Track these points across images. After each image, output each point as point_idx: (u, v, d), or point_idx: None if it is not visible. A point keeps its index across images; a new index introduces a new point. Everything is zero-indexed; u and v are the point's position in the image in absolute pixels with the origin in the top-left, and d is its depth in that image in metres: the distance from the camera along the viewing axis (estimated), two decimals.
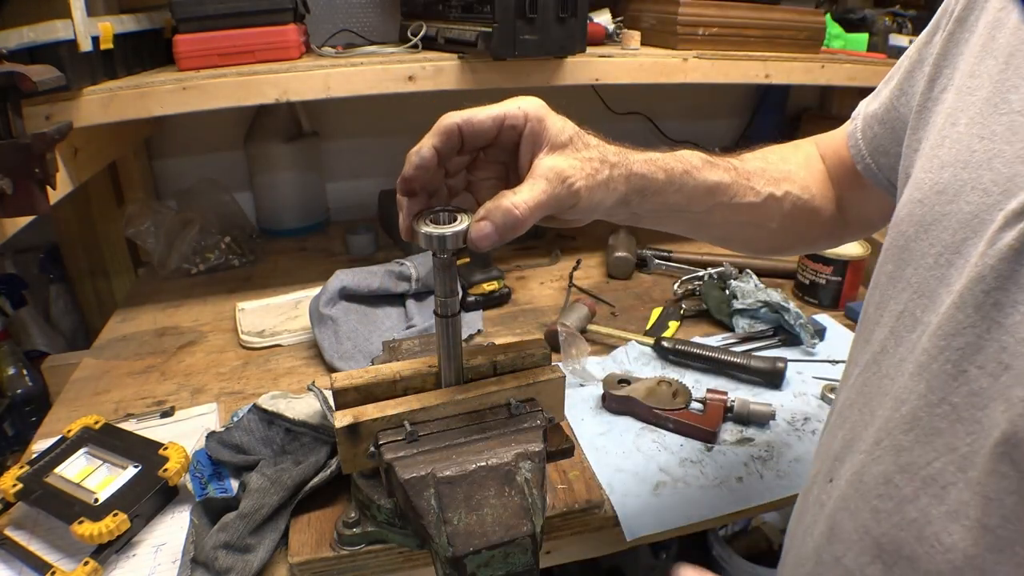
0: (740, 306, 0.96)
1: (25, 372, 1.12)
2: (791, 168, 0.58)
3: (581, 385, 0.85)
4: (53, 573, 0.57)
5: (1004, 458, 0.30)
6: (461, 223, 0.45)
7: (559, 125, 0.45)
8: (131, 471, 0.64)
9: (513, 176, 0.47)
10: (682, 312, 1.02)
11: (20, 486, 0.62)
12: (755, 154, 0.59)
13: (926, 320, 0.36)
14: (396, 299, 1.02)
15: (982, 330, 0.32)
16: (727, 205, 0.53)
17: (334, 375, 0.54)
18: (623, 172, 0.47)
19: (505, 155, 0.48)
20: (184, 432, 0.75)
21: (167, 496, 0.65)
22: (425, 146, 0.43)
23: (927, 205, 0.38)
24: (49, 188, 0.67)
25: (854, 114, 0.57)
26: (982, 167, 0.34)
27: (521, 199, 0.42)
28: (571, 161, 0.44)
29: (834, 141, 0.60)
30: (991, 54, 0.38)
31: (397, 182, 0.45)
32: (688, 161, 0.51)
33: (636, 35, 1.10)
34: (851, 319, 1.01)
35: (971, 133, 0.36)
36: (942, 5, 0.45)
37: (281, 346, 0.96)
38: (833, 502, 0.43)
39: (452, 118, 0.44)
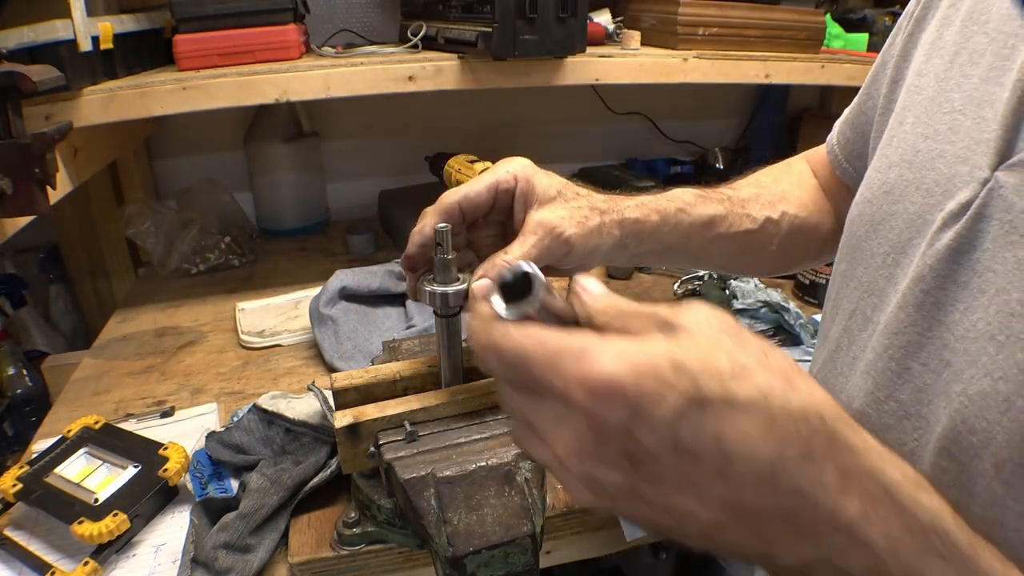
0: (740, 306, 0.96)
1: (25, 372, 1.12)
2: (785, 188, 0.60)
3: None
4: (53, 573, 0.57)
5: (944, 453, 0.30)
6: (462, 282, 0.48)
7: (546, 182, 0.49)
8: (131, 471, 0.64)
9: (510, 231, 0.50)
10: None
11: (20, 486, 0.62)
12: (747, 180, 0.61)
13: (875, 319, 0.37)
14: (396, 299, 1.02)
15: (923, 328, 0.33)
16: (725, 236, 0.54)
17: (334, 375, 0.54)
18: (615, 218, 0.49)
19: (502, 215, 0.50)
20: (184, 432, 0.75)
21: (167, 496, 0.65)
22: (427, 226, 0.47)
23: (875, 205, 0.39)
24: (49, 188, 0.67)
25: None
26: (925, 167, 0.35)
27: (512, 256, 0.44)
28: (559, 212, 0.46)
29: (820, 153, 0.61)
30: (938, 52, 0.38)
31: (402, 258, 0.50)
32: (680, 199, 0.52)
33: (636, 35, 1.10)
34: None
35: (916, 132, 0.37)
36: (907, 7, 0.46)
37: (281, 346, 0.96)
38: None
39: (451, 197, 0.47)
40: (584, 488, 0.26)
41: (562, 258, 0.46)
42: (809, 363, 0.89)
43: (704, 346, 0.24)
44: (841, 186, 0.58)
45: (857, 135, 0.53)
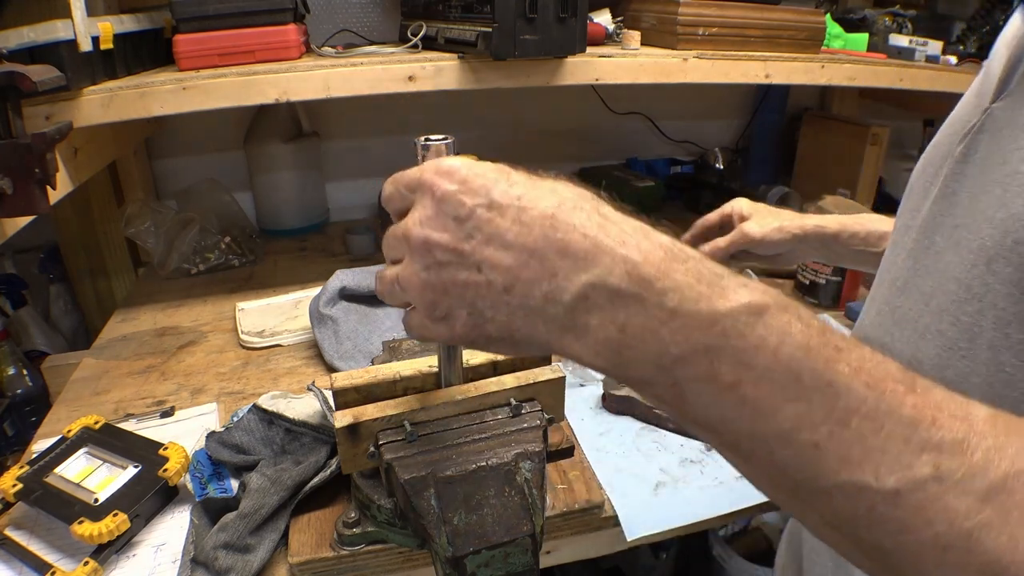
0: None
1: (25, 372, 1.11)
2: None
3: (581, 385, 0.85)
4: (53, 573, 0.57)
5: (961, 283, 0.38)
6: None
7: (748, 207, 0.80)
8: (131, 471, 0.64)
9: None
10: None
11: (20, 486, 0.62)
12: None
13: (913, 224, 0.45)
14: None
15: (944, 209, 0.41)
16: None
17: (334, 375, 0.54)
18: (798, 222, 0.76)
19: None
20: (184, 432, 0.75)
21: (167, 496, 0.65)
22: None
23: (927, 155, 0.47)
24: (49, 188, 0.67)
25: None
26: (957, 117, 0.44)
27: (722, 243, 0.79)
28: (754, 221, 0.78)
29: None
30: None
31: (690, 238, 0.82)
32: (864, 218, 0.73)
33: (636, 35, 1.10)
34: (851, 319, 1.01)
35: (958, 106, 0.46)
36: None
37: (281, 346, 0.96)
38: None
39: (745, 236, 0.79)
40: (420, 258, 0.33)
41: (752, 246, 0.78)
42: None
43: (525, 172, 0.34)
44: None
45: None
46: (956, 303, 0.38)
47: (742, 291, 0.28)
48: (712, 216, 0.82)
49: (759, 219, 0.76)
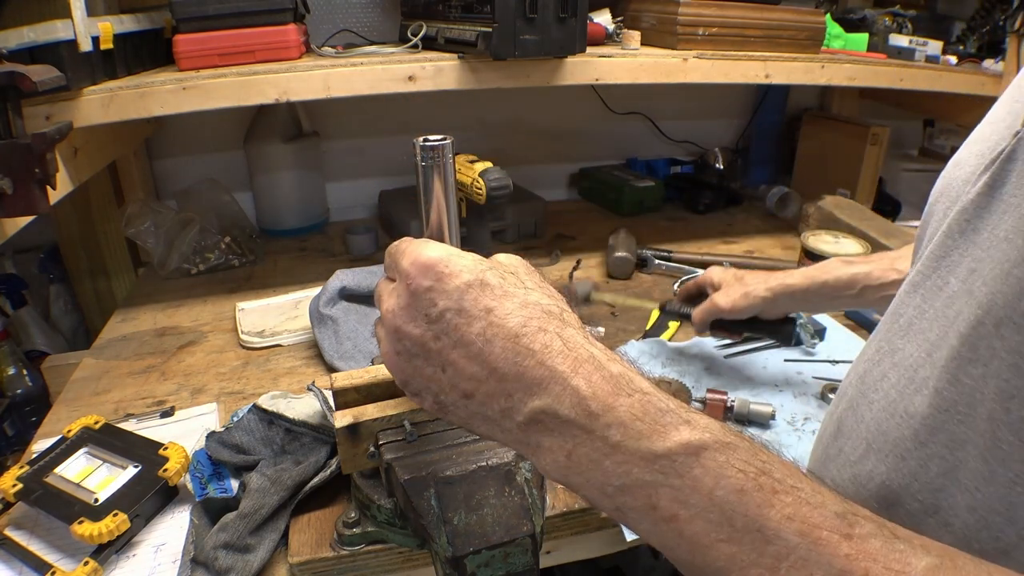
0: None
1: (25, 372, 1.12)
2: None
3: None
4: (53, 573, 0.57)
5: (966, 340, 0.35)
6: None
7: (720, 275, 0.84)
8: (131, 471, 0.64)
9: None
10: (682, 312, 1.02)
11: (20, 486, 0.62)
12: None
13: (922, 253, 0.43)
14: None
15: (956, 244, 0.38)
16: (873, 287, 0.69)
17: (334, 375, 0.54)
18: (765, 284, 0.78)
19: None
20: (184, 432, 0.75)
21: (167, 496, 0.65)
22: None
23: (947, 177, 0.44)
24: (49, 188, 0.67)
25: None
26: (984, 140, 0.40)
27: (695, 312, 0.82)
28: (722, 292, 0.81)
29: None
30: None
31: (680, 293, 0.87)
32: (828, 266, 0.74)
33: (636, 35, 1.10)
34: (851, 319, 1.01)
35: (985, 120, 0.43)
36: None
37: (281, 346, 0.96)
38: (842, 405, 0.50)
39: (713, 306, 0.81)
40: (392, 342, 0.36)
41: (723, 315, 0.80)
42: (807, 362, 0.89)
43: (501, 260, 0.37)
44: None
45: None
46: (958, 362, 0.35)
47: (683, 430, 0.29)
48: (690, 285, 0.89)
49: (726, 289, 0.80)
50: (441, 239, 0.46)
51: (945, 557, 0.27)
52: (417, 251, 0.35)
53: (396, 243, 0.38)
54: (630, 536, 0.64)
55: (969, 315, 0.35)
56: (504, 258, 0.38)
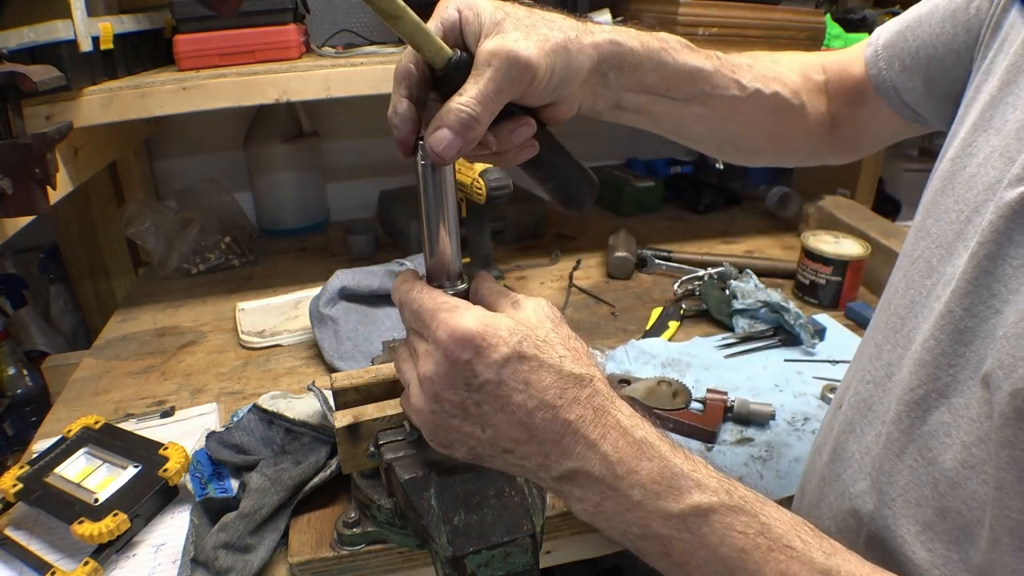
0: (740, 306, 0.96)
1: (25, 372, 1.12)
2: (781, 70, 0.57)
3: None
4: (53, 573, 0.57)
5: (981, 384, 0.35)
6: (463, 283, 0.44)
7: (491, 6, 0.40)
8: (131, 471, 0.64)
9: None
10: (682, 312, 1.02)
11: (20, 486, 0.62)
12: (742, 54, 0.56)
13: (940, 269, 0.40)
14: None
15: (974, 277, 0.37)
16: (710, 95, 0.51)
17: (334, 375, 0.54)
18: (590, 40, 0.44)
19: None
20: (184, 432, 0.75)
21: (167, 496, 0.65)
22: (399, 104, 0.41)
23: (957, 162, 0.42)
24: (49, 188, 0.67)
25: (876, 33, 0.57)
26: (1011, 136, 0.37)
27: (468, 96, 0.37)
28: (513, 35, 0.39)
29: (844, 56, 0.59)
30: None
31: (396, 148, 0.43)
32: (665, 40, 0.49)
33: None
34: (851, 319, 1.01)
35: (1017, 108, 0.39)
36: None
37: (281, 346, 0.96)
38: (839, 425, 0.49)
39: (402, 61, 0.42)
40: (428, 402, 0.38)
41: (528, 87, 0.39)
42: (807, 362, 0.89)
43: (532, 322, 0.38)
44: (857, 91, 0.57)
45: (913, 51, 0.52)
46: (987, 419, 0.34)
47: (695, 493, 0.35)
48: (426, 44, 0.39)
49: (501, 30, 0.39)
50: (439, 245, 0.43)
51: None
52: (454, 322, 0.36)
53: (418, 296, 0.39)
54: None
55: (990, 368, 0.34)
56: (534, 316, 0.39)
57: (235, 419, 0.72)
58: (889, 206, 1.53)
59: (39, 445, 0.73)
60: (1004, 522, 0.32)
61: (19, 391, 1.11)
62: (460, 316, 0.36)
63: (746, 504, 0.35)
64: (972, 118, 0.42)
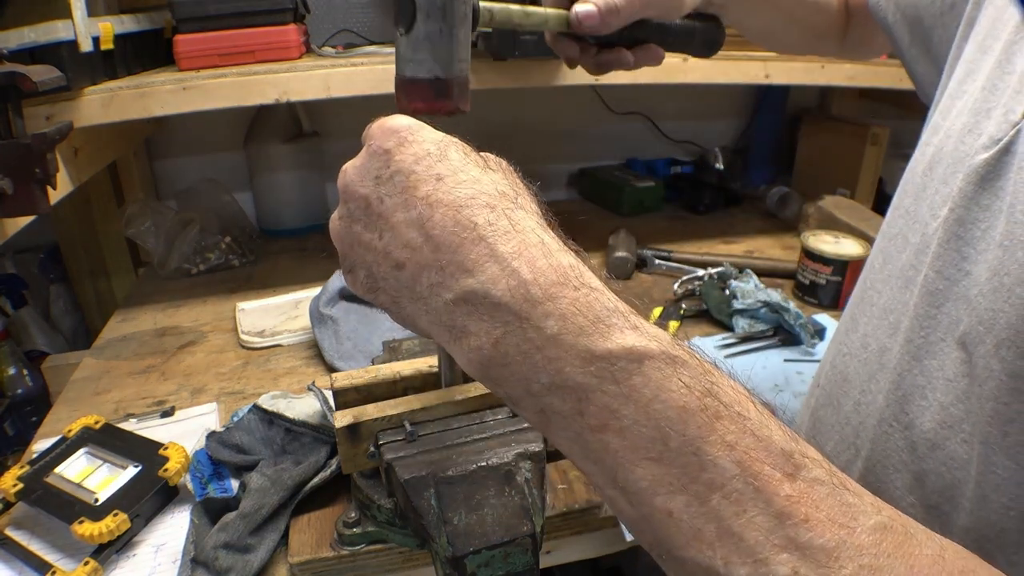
0: (740, 306, 0.96)
1: (25, 372, 1.12)
2: None
3: None
4: (53, 573, 0.57)
5: (959, 345, 0.35)
6: None
7: None
8: (131, 471, 0.64)
9: None
10: (682, 312, 1.02)
11: (20, 486, 0.62)
12: None
13: (913, 240, 0.42)
14: None
15: (944, 241, 0.37)
16: None
17: (334, 375, 0.54)
18: None
19: None
20: (184, 432, 0.75)
21: (167, 496, 0.65)
22: None
23: (937, 147, 0.43)
24: (49, 188, 0.67)
25: None
26: (980, 114, 0.39)
27: None
28: None
29: None
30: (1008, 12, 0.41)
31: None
32: None
33: None
34: None
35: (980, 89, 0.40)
36: None
37: (281, 346, 0.96)
38: (816, 400, 0.49)
39: None
40: (340, 208, 0.34)
41: (670, 11, 0.52)
42: (807, 362, 0.89)
43: (464, 143, 0.34)
44: (863, 12, 0.61)
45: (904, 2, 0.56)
46: (964, 378, 0.34)
47: (629, 334, 0.26)
48: None
49: None
50: None
51: (896, 521, 0.24)
52: (389, 118, 0.34)
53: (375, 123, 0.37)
54: (630, 536, 0.64)
55: (967, 329, 0.34)
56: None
57: (235, 419, 0.72)
58: (889, 206, 1.53)
59: (39, 445, 0.73)
60: (990, 479, 0.32)
61: (19, 391, 1.11)
62: (398, 116, 0.34)
63: (690, 359, 0.26)
64: (949, 90, 0.44)
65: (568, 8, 0.49)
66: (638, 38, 0.52)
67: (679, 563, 0.25)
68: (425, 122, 0.34)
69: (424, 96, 0.43)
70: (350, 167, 0.34)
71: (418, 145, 0.32)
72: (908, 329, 0.39)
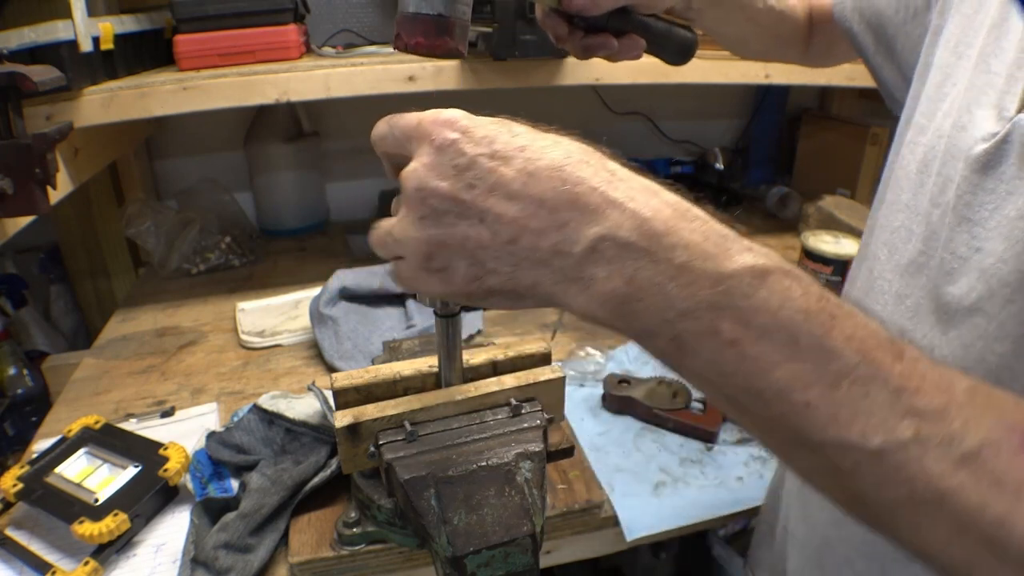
0: None
1: (25, 372, 1.12)
2: None
3: (581, 385, 0.85)
4: (53, 573, 0.57)
5: (975, 311, 0.38)
6: None
7: None
8: (131, 471, 0.64)
9: None
10: None
11: (20, 486, 0.62)
12: None
13: (917, 231, 0.44)
14: (396, 299, 1.02)
15: (960, 225, 0.39)
16: (750, 6, 0.61)
17: (334, 375, 0.54)
18: None
19: None
20: (184, 432, 0.75)
21: (167, 496, 0.65)
22: None
23: (926, 146, 0.45)
24: (49, 188, 0.67)
25: None
26: (964, 111, 0.41)
27: None
28: None
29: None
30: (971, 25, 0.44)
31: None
32: None
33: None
34: None
35: (964, 90, 0.43)
36: None
37: (281, 346, 0.96)
38: None
39: None
40: (416, 209, 0.33)
41: (655, 2, 0.53)
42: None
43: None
44: (828, 17, 0.64)
45: (874, 7, 0.58)
46: (980, 340, 0.37)
47: (747, 254, 0.29)
48: None
49: None
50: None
51: (981, 383, 0.29)
52: (433, 112, 0.34)
53: (390, 117, 0.37)
54: (630, 536, 0.64)
55: (982, 294, 0.37)
56: None
57: (235, 419, 0.72)
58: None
59: (39, 445, 0.73)
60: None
61: (19, 391, 1.11)
62: (445, 110, 0.34)
63: (799, 272, 0.29)
64: (927, 93, 0.46)
65: None
66: (623, 29, 0.54)
67: (818, 447, 0.28)
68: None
69: (426, 32, 0.43)
70: (420, 168, 0.33)
71: (483, 127, 0.32)
72: (928, 311, 0.42)
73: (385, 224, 0.35)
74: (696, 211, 0.30)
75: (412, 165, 0.33)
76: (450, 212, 0.32)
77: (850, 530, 0.46)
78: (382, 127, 0.37)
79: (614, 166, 0.32)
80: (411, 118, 0.35)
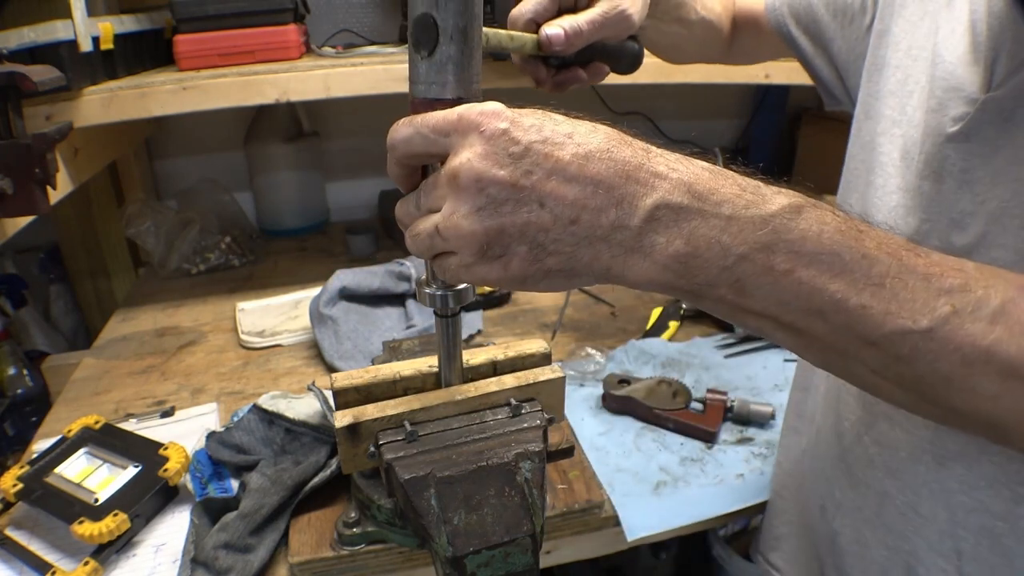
0: None
1: (25, 372, 1.12)
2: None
3: (581, 385, 0.85)
4: (53, 573, 0.57)
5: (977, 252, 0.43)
6: (462, 284, 0.46)
7: None
8: (131, 471, 0.64)
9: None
10: (682, 312, 1.02)
11: (20, 486, 0.62)
12: None
13: (914, 206, 0.47)
14: (396, 299, 1.02)
15: (959, 188, 0.43)
16: (686, 19, 0.65)
17: (334, 375, 0.54)
18: None
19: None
20: (184, 432, 0.75)
21: (167, 496, 0.65)
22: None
23: (903, 126, 0.49)
24: (49, 188, 0.67)
25: None
26: (932, 95, 0.45)
27: (585, 17, 0.52)
28: None
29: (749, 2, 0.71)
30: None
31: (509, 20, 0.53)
32: None
33: None
34: None
35: (921, 79, 0.47)
36: None
37: (281, 346, 0.96)
38: (798, 376, 0.59)
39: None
40: (473, 200, 0.34)
41: (621, 32, 0.56)
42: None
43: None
44: (756, 21, 0.69)
45: (811, 14, 0.63)
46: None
47: (780, 196, 0.33)
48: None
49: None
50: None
51: (986, 264, 0.34)
52: (473, 105, 0.35)
53: (411, 118, 0.37)
54: (630, 536, 0.64)
55: (977, 229, 0.42)
56: None
57: (235, 419, 0.72)
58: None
59: (39, 445, 0.73)
60: None
61: (19, 391, 1.11)
62: (487, 103, 0.35)
63: (821, 202, 0.34)
64: (890, 89, 0.50)
65: (537, 32, 0.54)
66: (588, 59, 0.59)
67: (876, 344, 0.33)
68: None
69: None
70: (473, 158, 0.33)
71: (526, 117, 0.34)
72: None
73: (425, 225, 0.36)
74: (724, 171, 0.35)
75: (462, 157, 0.34)
76: (509, 200, 0.33)
77: (906, 475, 0.48)
78: (404, 129, 0.37)
79: (647, 144, 0.35)
80: (447, 113, 0.35)
